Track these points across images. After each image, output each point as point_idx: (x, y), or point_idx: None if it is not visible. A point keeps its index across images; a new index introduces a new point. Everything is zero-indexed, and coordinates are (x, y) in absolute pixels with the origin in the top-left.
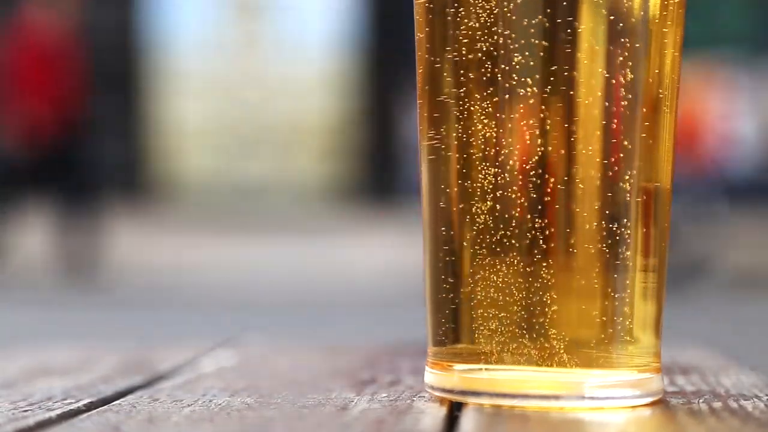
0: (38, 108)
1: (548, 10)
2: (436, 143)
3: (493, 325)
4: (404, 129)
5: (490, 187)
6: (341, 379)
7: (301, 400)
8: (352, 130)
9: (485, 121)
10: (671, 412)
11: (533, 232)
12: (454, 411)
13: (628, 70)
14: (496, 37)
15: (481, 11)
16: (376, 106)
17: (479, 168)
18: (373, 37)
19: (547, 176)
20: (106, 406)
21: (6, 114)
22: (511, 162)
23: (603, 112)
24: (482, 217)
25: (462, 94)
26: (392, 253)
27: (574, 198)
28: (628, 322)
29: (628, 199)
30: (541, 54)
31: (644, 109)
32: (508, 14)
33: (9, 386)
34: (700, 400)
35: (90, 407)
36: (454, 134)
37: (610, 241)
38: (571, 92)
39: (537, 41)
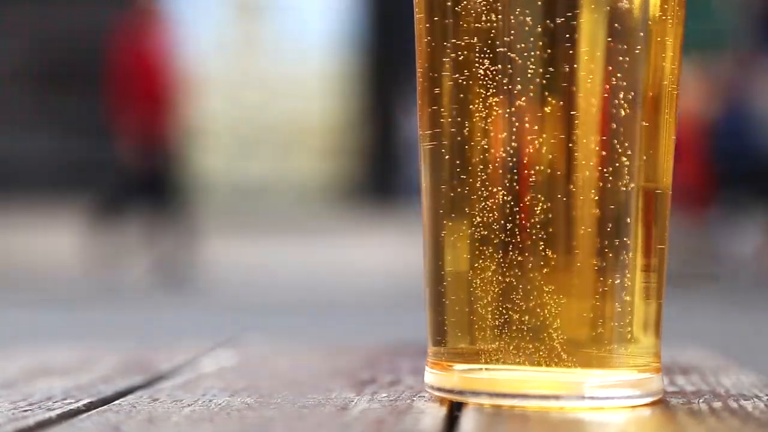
0: (153, 114)
1: (548, 10)
2: (436, 143)
3: (493, 325)
4: (404, 129)
5: (490, 187)
6: (341, 379)
7: (301, 400)
8: (352, 130)
9: (485, 121)
10: (671, 412)
11: (533, 232)
12: (454, 411)
13: (628, 70)
14: (495, 38)
15: (481, 11)
16: (376, 106)
17: (479, 168)
18: (373, 37)
19: (547, 176)
20: (106, 406)
21: (122, 121)
22: (510, 162)
23: (603, 112)
24: (482, 217)
25: (462, 95)
26: (392, 253)
27: (574, 198)
28: (628, 322)
29: (628, 199)
30: (541, 54)
31: (644, 109)
32: (508, 14)
33: (9, 386)
34: (700, 400)
35: (90, 407)
36: (455, 134)
37: (610, 241)
38: (571, 93)
39: (537, 41)
